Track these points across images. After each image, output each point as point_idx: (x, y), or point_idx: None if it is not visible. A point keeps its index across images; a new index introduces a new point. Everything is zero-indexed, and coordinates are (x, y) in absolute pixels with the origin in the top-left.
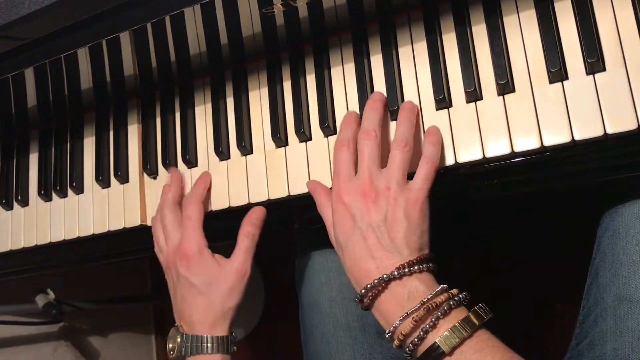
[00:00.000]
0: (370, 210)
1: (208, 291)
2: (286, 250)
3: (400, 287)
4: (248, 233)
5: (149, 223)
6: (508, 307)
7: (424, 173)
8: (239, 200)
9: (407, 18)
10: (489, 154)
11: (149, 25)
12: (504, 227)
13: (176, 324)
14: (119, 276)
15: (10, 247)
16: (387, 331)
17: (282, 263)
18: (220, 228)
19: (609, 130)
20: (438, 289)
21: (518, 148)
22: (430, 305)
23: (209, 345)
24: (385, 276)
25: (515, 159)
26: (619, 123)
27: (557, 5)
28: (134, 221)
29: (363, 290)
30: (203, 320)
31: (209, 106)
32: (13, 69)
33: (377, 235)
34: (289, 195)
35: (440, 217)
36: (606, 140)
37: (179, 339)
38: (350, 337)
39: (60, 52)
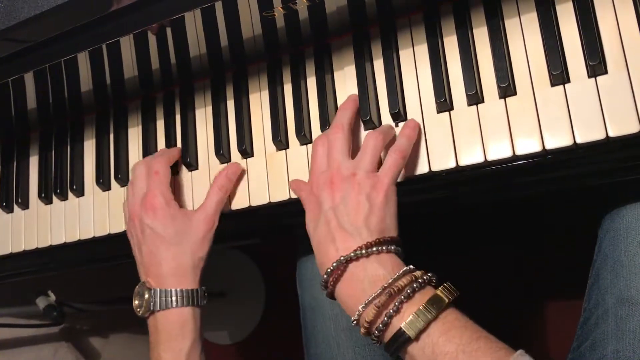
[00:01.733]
0: (335, 195)
1: (177, 241)
2: (286, 250)
3: (360, 270)
4: (222, 186)
5: None
6: (509, 308)
7: (391, 161)
8: (240, 203)
9: (408, 20)
10: (490, 157)
11: (148, 29)
12: (506, 229)
13: (142, 281)
14: (119, 278)
15: (11, 250)
16: (352, 319)
17: (282, 263)
18: (221, 230)
19: (611, 134)
20: (400, 272)
21: (520, 151)
22: (392, 290)
23: (178, 298)
24: (342, 258)
25: (517, 162)
26: (621, 126)
27: (558, 8)
28: None
29: (325, 275)
30: (172, 272)
31: (209, 109)
32: (13, 73)
33: (338, 218)
34: (290, 199)
35: (441, 218)
36: (608, 144)
37: (146, 295)
38: (352, 339)
39: (60, 56)
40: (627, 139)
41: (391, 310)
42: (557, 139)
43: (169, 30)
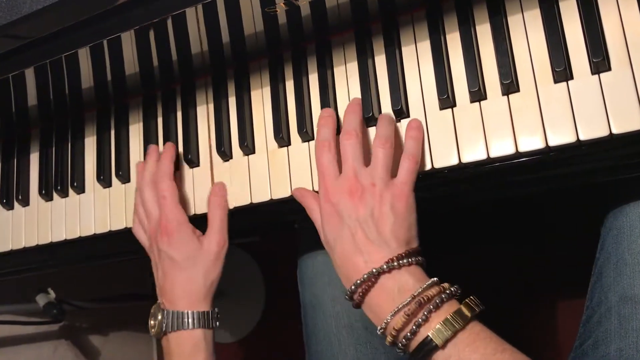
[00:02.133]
0: (358, 207)
1: (190, 265)
2: (286, 249)
3: (390, 281)
4: (219, 205)
5: None
6: (511, 306)
7: (406, 167)
8: (241, 200)
9: (411, 17)
10: (493, 154)
11: (150, 25)
12: (508, 227)
13: (158, 301)
14: (119, 275)
15: (11, 247)
16: (378, 327)
17: (283, 262)
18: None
19: (615, 130)
20: (429, 282)
21: (523, 148)
22: (421, 299)
23: (190, 320)
24: (374, 270)
25: (520, 159)
26: (625, 123)
27: (562, 5)
28: None
29: (353, 287)
30: (184, 296)
31: (211, 105)
32: (14, 69)
33: (365, 230)
34: (292, 196)
35: (442, 216)
36: (612, 140)
37: (159, 316)
38: (353, 336)
39: (61, 51)
40: (630, 136)
41: (420, 319)
42: (560, 136)
43: (170, 26)
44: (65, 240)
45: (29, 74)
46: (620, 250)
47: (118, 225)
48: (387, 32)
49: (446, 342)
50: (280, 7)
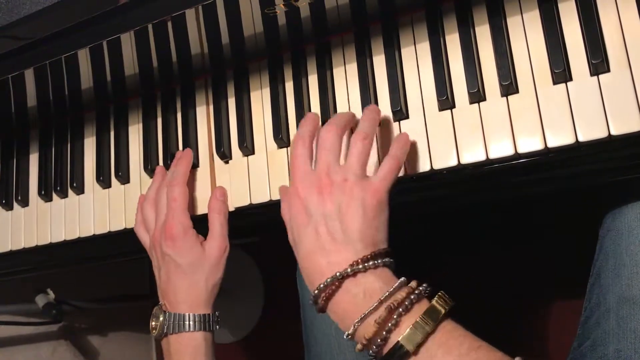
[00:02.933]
0: (325, 202)
1: (192, 271)
2: (286, 249)
3: (355, 286)
4: (218, 209)
5: None
6: (510, 307)
7: (387, 168)
8: (240, 201)
9: (410, 18)
10: (492, 155)
11: (150, 26)
12: (506, 228)
13: (160, 303)
14: (118, 276)
15: (10, 248)
16: (345, 333)
17: (282, 263)
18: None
19: (614, 132)
20: (396, 284)
21: (522, 149)
22: (392, 305)
23: (191, 323)
24: (338, 274)
25: (519, 160)
26: (624, 124)
27: (561, 6)
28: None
29: (316, 291)
30: (186, 299)
31: (210, 106)
32: (14, 70)
33: (329, 226)
34: None
35: (441, 218)
36: (610, 142)
37: (161, 318)
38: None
39: (61, 52)
40: (629, 138)
41: (390, 325)
42: (559, 137)
43: (170, 27)
44: (65, 240)
45: (29, 75)
46: (619, 251)
47: (117, 226)
48: (386, 33)
49: (418, 346)
50: (280, 8)
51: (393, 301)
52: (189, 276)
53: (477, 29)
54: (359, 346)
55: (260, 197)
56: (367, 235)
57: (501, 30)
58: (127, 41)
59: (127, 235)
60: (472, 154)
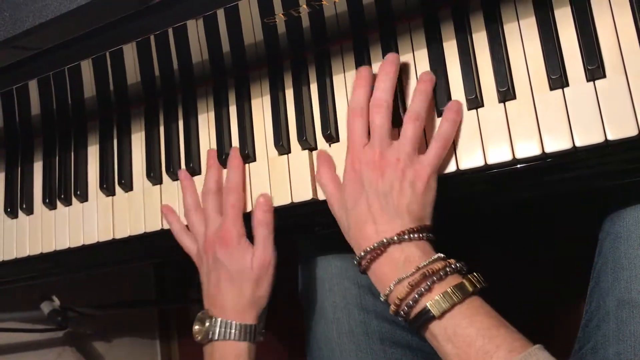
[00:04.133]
0: (379, 179)
1: (240, 279)
2: (289, 255)
3: (398, 252)
4: (261, 221)
5: (151, 229)
6: (510, 311)
7: (435, 151)
8: None
9: (408, 26)
10: (490, 161)
11: (152, 37)
12: (505, 232)
13: (205, 309)
14: (123, 282)
15: (15, 255)
16: (382, 294)
17: (286, 268)
18: None
19: (610, 137)
20: (435, 257)
21: (519, 155)
22: (426, 272)
23: (237, 331)
24: (385, 240)
25: (517, 166)
26: (620, 129)
27: (557, 13)
28: (139, 228)
29: (362, 253)
30: (233, 306)
31: (211, 114)
32: (18, 81)
33: (382, 202)
34: (292, 203)
35: (437, 223)
36: (607, 147)
37: (207, 323)
38: (354, 342)
39: (63, 64)
40: (626, 142)
41: (422, 289)
42: (557, 143)
43: (171, 38)
44: (69, 248)
45: (32, 85)
46: (618, 255)
47: (121, 233)
48: (385, 41)
49: (443, 313)
50: (280, 18)
51: (429, 269)
52: (237, 284)
53: (474, 36)
54: (392, 307)
55: None
56: (414, 211)
57: (498, 37)
58: (130, 51)
59: (131, 242)
60: (471, 160)
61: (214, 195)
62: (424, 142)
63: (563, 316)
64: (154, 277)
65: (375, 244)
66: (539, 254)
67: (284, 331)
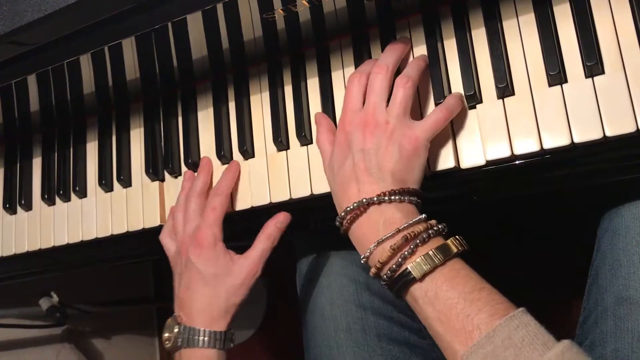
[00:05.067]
0: (366, 139)
1: (215, 283)
2: (287, 252)
3: (377, 213)
4: (270, 236)
5: (149, 226)
6: None
7: (434, 117)
8: (241, 204)
9: (407, 22)
10: (489, 157)
11: (151, 32)
12: (503, 228)
13: (175, 314)
14: (122, 279)
15: (14, 251)
16: (362, 256)
17: (284, 265)
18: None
19: (608, 133)
20: (416, 219)
21: (518, 151)
22: (408, 235)
23: (205, 339)
24: (364, 200)
25: (516, 162)
26: (618, 126)
27: (556, 9)
28: (137, 225)
29: (343, 213)
30: (203, 312)
31: (210, 110)
32: (16, 76)
33: (366, 162)
34: (291, 199)
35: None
36: (605, 143)
37: (175, 329)
38: (351, 339)
39: (62, 58)
40: (624, 139)
41: (406, 253)
42: (555, 139)
43: (170, 33)
44: (68, 244)
45: (31, 80)
46: (616, 251)
47: (119, 229)
48: (384, 37)
49: (424, 275)
50: (279, 13)
51: (410, 232)
52: (210, 288)
53: (473, 32)
54: (373, 270)
55: (261, 200)
56: (398, 173)
57: (497, 34)
58: (129, 46)
59: (130, 239)
60: (470, 156)
61: (197, 198)
62: (418, 112)
63: (561, 313)
64: (153, 274)
65: (355, 204)
66: (537, 250)
67: (281, 328)
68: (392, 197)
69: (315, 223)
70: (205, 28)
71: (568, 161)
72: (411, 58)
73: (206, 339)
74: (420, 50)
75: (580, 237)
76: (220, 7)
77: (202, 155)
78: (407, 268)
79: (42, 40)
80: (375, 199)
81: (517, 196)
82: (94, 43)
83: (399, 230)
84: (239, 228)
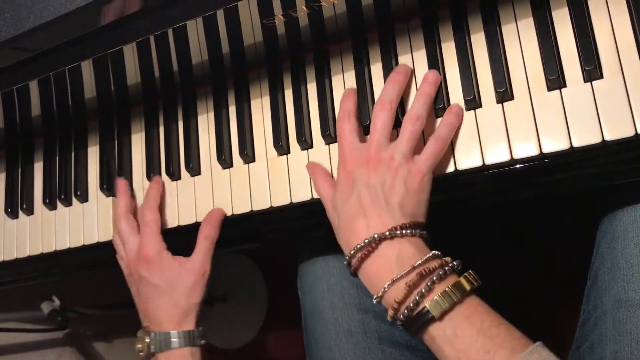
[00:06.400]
0: (371, 174)
1: (170, 290)
2: (289, 255)
3: (390, 249)
4: (208, 235)
5: None
6: (507, 310)
7: (431, 149)
8: (242, 208)
9: (407, 26)
10: (488, 161)
11: (151, 37)
12: (502, 232)
13: (143, 325)
14: (123, 282)
15: (16, 255)
16: (375, 296)
17: (285, 267)
18: (223, 235)
19: (607, 137)
20: (430, 254)
21: (517, 155)
22: (423, 271)
23: (176, 339)
24: (376, 236)
25: (515, 166)
26: (617, 130)
27: (554, 14)
28: None
29: (352, 251)
30: (168, 318)
31: (211, 114)
32: (18, 81)
33: (373, 196)
34: (292, 203)
35: (435, 222)
36: (604, 147)
37: (147, 339)
38: (352, 342)
39: (64, 64)
40: (623, 143)
41: (423, 290)
42: (554, 143)
43: (171, 38)
44: (69, 248)
45: (33, 86)
46: (615, 254)
47: None
48: (383, 42)
49: (443, 314)
50: (279, 19)
51: (425, 268)
52: (167, 295)
53: (472, 37)
54: (390, 312)
55: (261, 204)
56: (407, 207)
57: (496, 38)
58: (130, 52)
59: None
60: (469, 160)
61: (124, 219)
62: (422, 143)
63: (560, 315)
64: None
65: (367, 240)
66: (537, 253)
67: (283, 330)
68: (404, 231)
69: (316, 227)
70: (206, 33)
71: (567, 165)
72: (411, 66)
73: (177, 339)
74: (420, 54)
75: (579, 240)
76: (220, 13)
77: (202, 159)
78: (425, 307)
79: (44, 46)
80: (387, 234)
81: (517, 200)
82: (95, 49)
83: (414, 267)
84: (240, 232)
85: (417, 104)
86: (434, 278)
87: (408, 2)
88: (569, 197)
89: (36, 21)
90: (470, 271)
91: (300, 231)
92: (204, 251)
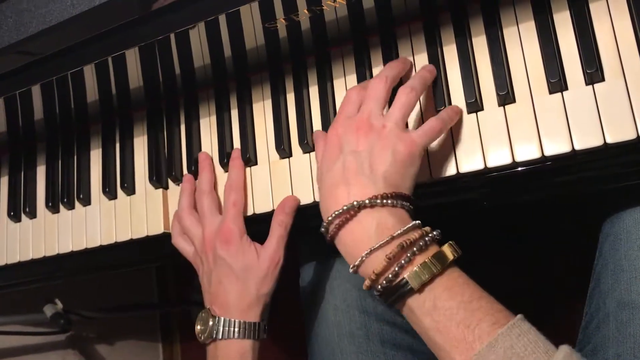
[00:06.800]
0: (360, 141)
1: (244, 276)
2: (291, 257)
3: (369, 217)
4: (281, 222)
5: (153, 233)
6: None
7: (428, 126)
8: (244, 211)
9: (408, 29)
10: (490, 164)
11: (154, 42)
12: (505, 234)
13: (206, 307)
14: (126, 285)
15: (19, 259)
16: (351, 265)
17: (287, 269)
18: None
19: (609, 140)
20: (410, 225)
21: (519, 158)
22: (404, 243)
23: (241, 329)
24: (355, 203)
25: (517, 169)
26: (619, 132)
27: (556, 17)
28: (141, 232)
29: (330, 217)
30: (237, 304)
31: (213, 118)
32: (21, 86)
33: (358, 163)
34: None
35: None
36: (606, 150)
37: (210, 322)
38: (354, 345)
39: (66, 69)
40: (624, 145)
41: (402, 262)
42: (556, 146)
43: (173, 43)
44: (72, 251)
45: (36, 90)
46: (617, 256)
47: (123, 236)
48: (385, 45)
49: (423, 286)
50: (281, 23)
51: (405, 239)
52: (241, 281)
53: (474, 40)
54: (366, 282)
55: (263, 206)
56: (391, 178)
57: (497, 41)
58: (132, 56)
59: (134, 246)
60: (471, 163)
61: (208, 196)
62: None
63: (563, 318)
64: (156, 280)
65: (346, 207)
66: (539, 255)
67: (285, 333)
68: (385, 201)
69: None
70: (208, 37)
71: (569, 168)
72: (413, 70)
73: (241, 330)
74: (421, 57)
75: (582, 242)
76: (223, 18)
77: None
78: (404, 278)
79: (47, 51)
80: (367, 202)
81: (519, 203)
82: (98, 54)
83: (393, 238)
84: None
85: (413, 80)
86: (415, 249)
87: (409, 5)
88: (570, 199)
89: (39, 26)
90: (451, 242)
91: (302, 233)
92: (278, 238)
